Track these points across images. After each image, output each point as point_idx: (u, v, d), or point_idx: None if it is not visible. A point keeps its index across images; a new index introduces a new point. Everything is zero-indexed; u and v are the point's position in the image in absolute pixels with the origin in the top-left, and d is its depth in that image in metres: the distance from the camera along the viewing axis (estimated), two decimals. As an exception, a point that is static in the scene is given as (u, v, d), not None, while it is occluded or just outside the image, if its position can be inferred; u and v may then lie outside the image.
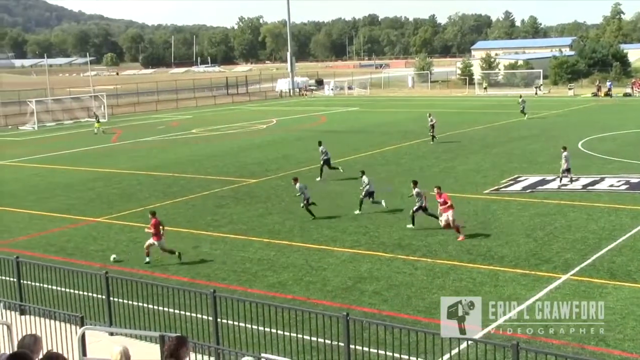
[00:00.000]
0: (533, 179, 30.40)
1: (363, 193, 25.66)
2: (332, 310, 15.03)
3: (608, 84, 79.68)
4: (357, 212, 25.62)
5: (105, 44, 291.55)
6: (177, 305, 14.77)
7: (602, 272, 18.12)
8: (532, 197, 27.02)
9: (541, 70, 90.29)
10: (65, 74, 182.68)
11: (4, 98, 75.04)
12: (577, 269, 18.38)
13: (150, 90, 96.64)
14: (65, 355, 7.54)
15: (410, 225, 23.14)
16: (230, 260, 20.46)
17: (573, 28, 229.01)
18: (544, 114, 59.71)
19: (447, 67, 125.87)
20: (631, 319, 15.03)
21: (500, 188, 29.04)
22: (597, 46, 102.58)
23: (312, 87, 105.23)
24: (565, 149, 29.21)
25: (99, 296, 15.65)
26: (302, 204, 25.09)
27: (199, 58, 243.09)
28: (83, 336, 12.05)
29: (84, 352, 11.87)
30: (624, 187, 28.44)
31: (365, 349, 12.50)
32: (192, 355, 10.94)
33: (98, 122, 57.83)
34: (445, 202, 21.90)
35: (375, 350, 12.69)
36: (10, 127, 65.41)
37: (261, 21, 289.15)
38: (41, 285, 17.10)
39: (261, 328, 13.62)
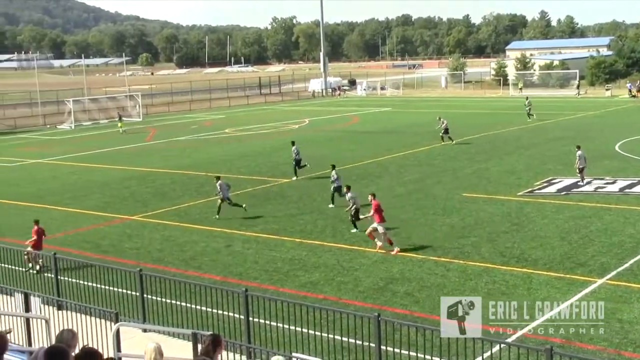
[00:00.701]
0: (568, 181, 30.04)
1: (333, 187, 26.91)
2: (363, 310, 15.03)
3: (638, 84, 78.46)
4: (330, 205, 26.82)
5: (141, 44, 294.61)
6: (210, 304, 14.89)
7: (640, 276, 17.85)
8: (567, 200, 26.72)
9: (577, 71, 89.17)
10: (101, 74, 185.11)
11: (43, 98, 76.15)
12: (613, 273, 18.12)
13: (184, 90, 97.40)
14: (100, 351, 7.65)
15: (354, 230, 23.10)
16: (262, 260, 20.56)
17: (611, 27, 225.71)
18: (580, 115, 58.99)
19: (480, 67, 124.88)
20: (668, 324, 14.79)
21: (535, 190, 28.76)
22: (636, 45, 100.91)
23: (345, 87, 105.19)
24: (579, 148, 29.61)
25: (133, 293, 15.85)
26: (226, 202, 25.84)
27: (232, 58, 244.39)
28: (117, 332, 12.23)
29: (118, 347, 12.04)
30: (661, 190, 27.99)
31: (397, 350, 12.49)
32: (224, 353, 11.03)
33: (121, 121, 59.03)
34: (376, 211, 21.18)
35: (407, 352, 12.67)
36: (48, 126, 66.41)
37: (294, 21, 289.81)
38: (77, 281, 17.41)
39: (292, 327, 13.67)
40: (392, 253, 20.52)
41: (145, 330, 14.96)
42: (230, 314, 14.42)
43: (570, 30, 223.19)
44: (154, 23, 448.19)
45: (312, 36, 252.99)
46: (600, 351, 13.63)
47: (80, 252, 21.71)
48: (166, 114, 76.95)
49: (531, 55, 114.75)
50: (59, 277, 17.23)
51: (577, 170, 29.29)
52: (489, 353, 12.87)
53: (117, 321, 12.98)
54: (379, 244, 20.95)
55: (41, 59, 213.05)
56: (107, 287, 16.55)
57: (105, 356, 7.73)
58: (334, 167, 28.18)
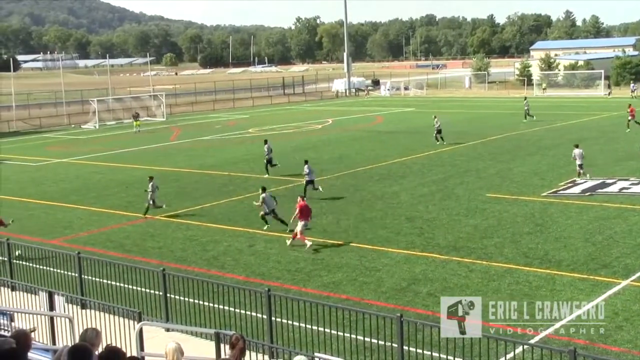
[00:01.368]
0: (592, 182, 29.76)
1: (306, 180, 28.84)
2: (385, 311, 14.99)
3: None
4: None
5: (165, 44, 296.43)
6: (232, 303, 14.96)
7: (665, 278, 17.64)
8: (591, 200, 26.46)
9: (602, 71, 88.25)
10: (126, 73, 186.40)
11: (67, 98, 76.95)
12: (638, 274, 17.91)
13: (208, 90, 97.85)
14: (123, 350, 7.70)
15: (265, 227, 23.86)
16: (284, 260, 20.59)
17: (637, 27, 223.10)
18: (605, 115, 58.43)
19: (505, 67, 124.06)
20: (694, 327, 14.59)
21: (559, 191, 28.53)
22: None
23: (369, 88, 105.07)
24: (577, 146, 30.79)
25: (156, 292, 15.94)
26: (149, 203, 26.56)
27: (256, 58, 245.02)
28: (140, 331, 12.30)
29: (141, 346, 12.11)
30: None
31: (419, 350, 12.45)
32: (247, 353, 11.05)
33: (137, 120, 59.86)
34: (300, 211, 21.86)
35: (429, 353, 12.62)
36: (73, 125, 67.04)
37: (318, 21, 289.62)
38: (101, 280, 17.53)
39: (315, 327, 13.67)
40: (306, 247, 21.25)
41: (168, 330, 15.03)
42: (253, 313, 14.46)
43: (596, 30, 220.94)
44: (178, 23, 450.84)
45: (336, 36, 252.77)
46: (625, 353, 13.49)
47: (104, 251, 21.89)
48: (190, 113, 77.36)
49: (556, 55, 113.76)
50: (82, 276, 17.38)
51: (578, 167, 30.42)
52: (512, 354, 12.76)
53: (140, 320, 13.06)
54: (309, 243, 21.43)
55: (66, 59, 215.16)
56: (130, 287, 16.65)
57: (128, 355, 7.78)
58: (306, 162, 29.52)
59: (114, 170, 38.49)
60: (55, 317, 13.70)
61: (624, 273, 18.04)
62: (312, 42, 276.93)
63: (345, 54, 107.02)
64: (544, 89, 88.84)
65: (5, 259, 19.00)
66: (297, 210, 21.98)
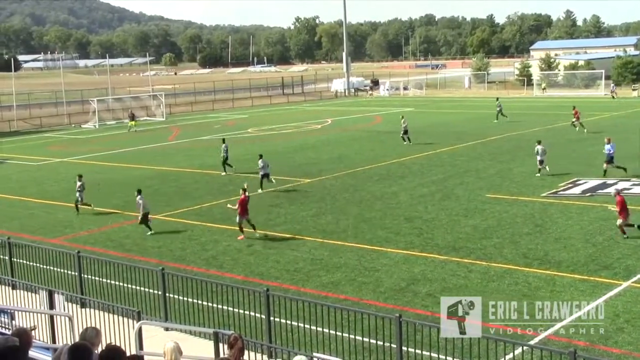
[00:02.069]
0: (593, 183, 29.77)
1: (261, 173, 30.29)
2: (384, 311, 15.00)
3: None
4: (260, 190, 29.98)
5: (165, 44, 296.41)
6: (231, 303, 14.96)
7: (666, 279, 17.64)
8: (591, 201, 26.47)
9: (603, 71, 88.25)
10: (125, 73, 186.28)
11: (68, 97, 76.96)
12: (639, 275, 17.90)
13: (207, 89, 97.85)
14: (122, 349, 7.70)
15: (149, 233, 24.23)
16: (283, 259, 20.59)
17: (639, 27, 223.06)
18: (605, 115, 58.44)
19: (504, 67, 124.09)
20: (693, 328, 14.59)
21: (559, 191, 28.53)
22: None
23: (372, 87, 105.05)
24: (539, 142, 32.23)
25: (156, 292, 15.95)
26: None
27: (255, 58, 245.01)
28: (140, 330, 12.31)
29: (140, 345, 12.12)
30: (687, 191, 27.62)
31: (418, 351, 12.46)
32: (245, 352, 11.06)
33: (133, 120, 60.38)
34: (240, 204, 22.93)
35: (428, 353, 12.62)
36: (73, 125, 67.06)
37: (317, 21, 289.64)
38: (100, 279, 17.54)
39: (313, 327, 13.67)
40: (239, 238, 22.59)
41: (167, 329, 15.03)
42: (252, 313, 14.47)
43: (597, 29, 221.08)
44: (177, 23, 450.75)
45: (335, 36, 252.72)
46: (626, 355, 13.49)
47: (104, 251, 21.91)
48: (189, 113, 77.39)
49: (556, 55, 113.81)
50: (82, 275, 17.39)
51: (538, 163, 31.87)
52: (511, 355, 12.76)
53: (139, 319, 13.07)
54: (241, 237, 22.63)
55: (66, 59, 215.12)
56: (129, 286, 16.66)
57: (127, 354, 7.78)
58: (261, 156, 30.88)
59: (114, 170, 38.49)
60: (55, 316, 13.70)
61: (625, 274, 18.03)
62: (311, 42, 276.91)
63: (344, 54, 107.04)
64: (543, 88, 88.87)
65: (6, 257, 19.02)
66: (237, 204, 22.86)
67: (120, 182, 34.42)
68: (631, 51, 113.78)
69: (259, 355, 12.83)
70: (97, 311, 14.32)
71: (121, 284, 16.84)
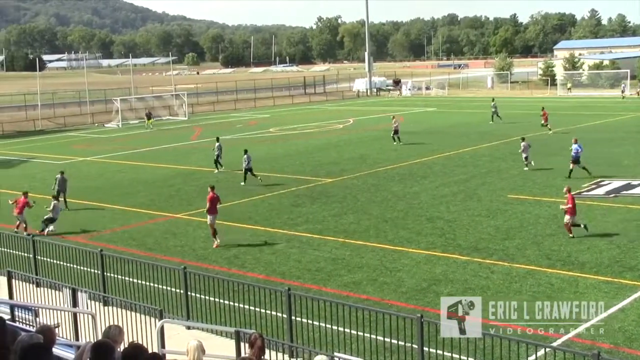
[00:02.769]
0: (617, 183, 29.47)
1: (245, 167, 31.95)
2: (406, 311, 14.95)
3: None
4: (242, 183, 32.00)
5: (187, 44, 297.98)
6: (253, 302, 15.00)
7: (691, 281, 17.41)
8: (616, 202, 26.21)
9: (628, 71, 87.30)
10: (148, 73, 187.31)
11: (91, 97, 77.57)
12: (663, 277, 17.72)
13: (229, 89, 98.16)
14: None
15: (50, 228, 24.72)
16: (305, 259, 20.60)
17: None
18: (631, 115, 57.81)
19: (527, 67, 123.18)
20: None
21: (582, 192, 28.25)
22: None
23: (389, 87, 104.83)
24: (523, 139, 34.10)
25: (178, 290, 16.02)
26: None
27: (277, 58, 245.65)
28: (162, 329, 12.37)
29: (162, 344, 12.18)
30: None
31: (439, 351, 12.40)
32: (266, 351, 11.08)
33: (149, 119, 61.76)
34: (210, 201, 22.77)
35: (450, 354, 12.56)
36: (96, 124, 67.56)
37: (339, 21, 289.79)
38: (123, 277, 17.66)
39: (334, 327, 13.67)
40: (213, 246, 21.92)
41: (189, 328, 15.11)
42: (273, 312, 14.49)
43: (622, 29, 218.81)
44: (200, 23, 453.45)
45: (357, 36, 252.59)
46: (650, 357, 13.34)
47: (126, 249, 22.06)
48: (211, 113, 77.68)
49: (580, 54, 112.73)
50: (105, 273, 17.53)
51: (524, 159, 33.39)
52: (533, 357, 12.67)
53: (161, 318, 13.14)
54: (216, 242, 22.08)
55: (90, 59, 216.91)
56: (152, 284, 16.76)
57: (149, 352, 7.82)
58: (245, 151, 32.53)
59: (137, 169, 38.75)
60: (78, 314, 13.82)
61: (649, 276, 17.83)
62: (334, 42, 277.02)
63: (366, 54, 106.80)
64: (569, 88, 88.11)
65: (30, 255, 19.21)
66: (208, 203, 22.71)
67: (142, 181, 34.64)
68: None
69: (280, 355, 12.86)
70: (119, 309, 14.42)
71: (143, 282, 16.94)
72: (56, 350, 8.02)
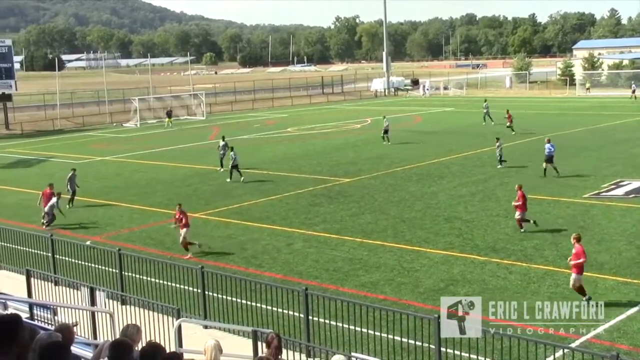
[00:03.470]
0: (637, 184, 29.22)
1: (231, 164, 32.86)
2: (423, 311, 14.90)
3: None
4: (228, 180, 32.86)
5: (205, 43, 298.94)
6: (270, 302, 15.01)
7: None
8: (635, 203, 25.98)
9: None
10: (166, 72, 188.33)
11: (110, 96, 78.00)
12: (683, 278, 17.55)
13: (247, 89, 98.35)
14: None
15: None
16: (322, 259, 20.60)
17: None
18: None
19: (546, 67, 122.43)
20: None
21: (601, 192, 28.06)
22: None
23: (407, 87, 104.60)
24: (498, 139, 34.54)
25: (195, 290, 16.08)
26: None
27: (295, 57, 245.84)
28: (179, 328, 12.42)
29: (179, 343, 12.22)
30: None
31: (457, 352, 12.36)
32: (283, 351, 11.09)
33: (169, 117, 63.32)
34: (180, 219, 21.69)
35: (467, 354, 12.52)
36: (115, 124, 67.95)
37: (357, 21, 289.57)
38: (141, 276, 17.74)
39: (352, 327, 13.65)
40: (185, 257, 20.72)
41: (206, 327, 15.15)
42: (290, 312, 14.50)
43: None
44: (218, 23, 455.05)
45: (375, 35, 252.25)
46: (670, 360, 13.21)
47: (144, 249, 22.16)
48: (229, 112, 77.89)
49: (599, 54, 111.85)
50: (123, 272, 17.62)
51: (498, 157, 34.08)
52: (552, 358, 12.59)
53: (179, 317, 13.19)
54: (189, 255, 21.21)
55: (109, 59, 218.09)
56: (169, 284, 16.83)
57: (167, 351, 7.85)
58: (232, 148, 34.04)
59: (155, 168, 38.93)
60: (96, 312, 13.90)
61: (668, 277, 17.66)
62: (352, 42, 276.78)
63: (384, 54, 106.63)
64: (587, 88, 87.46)
65: (49, 254, 19.36)
66: (179, 217, 21.75)
67: (160, 181, 34.79)
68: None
69: (297, 354, 12.87)
70: (137, 308, 14.48)
71: (161, 281, 17.02)
72: (74, 349, 8.07)
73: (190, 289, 16.26)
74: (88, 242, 20.34)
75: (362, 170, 35.26)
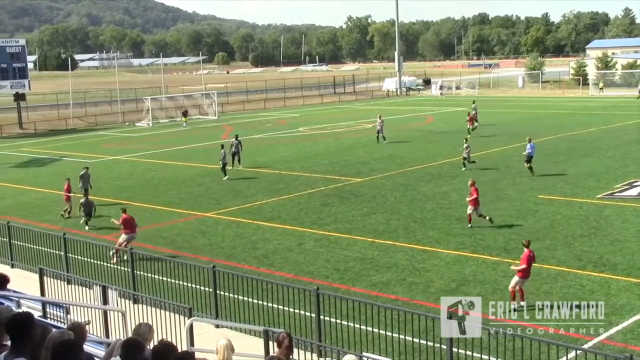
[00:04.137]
0: (650, 184, 29.04)
1: (221, 162, 33.99)
2: (434, 312, 14.85)
3: None
4: (225, 178, 33.64)
5: (217, 43, 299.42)
6: (281, 301, 15.03)
7: None
8: (648, 203, 25.82)
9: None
10: (178, 72, 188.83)
11: (122, 96, 78.30)
12: (697, 280, 17.42)
13: (259, 88, 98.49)
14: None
15: None
16: (333, 259, 20.59)
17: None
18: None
19: (559, 67, 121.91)
20: None
21: (615, 193, 27.91)
22: None
23: (419, 87, 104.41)
24: (466, 140, 34.70)
25: (207, 289, 16.11)
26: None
27: (307, 57, 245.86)
28: (191, 327, 12.45)
29: (191, 342, 12.26)
30: None
31: (468, 352, 12.33)
32: (295, 350, 11.10)
33: (185, 117, 64.08)
34: (123, 223, 21.09)
35: (479, 355, 12.48)
36: (127, 123, 68.18)
37: (369, 20, 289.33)
38: (153, 275, 17.81)
39: (363, 327, 13.65)
40: (112, 261, 20.01)
41: (217, 326, 15.19)
42: (302, 312, 14.51)
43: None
44: (230, 22, 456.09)
45: (387, 35, 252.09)
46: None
47: (156, 248, 22.22)
48: (241, 112, 78.01)
49: (613, 54, 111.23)
50: (135, 271, 17.69)
51: (463, 158, 34.07)
52: (564, 358, 12.53)
53: (190, 316, 13.23)
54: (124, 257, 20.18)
55: (121, 58, 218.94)
56: (181, 283, 16.88)
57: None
58: (222, 146, 35.12)
59: (167, 168, 39.03)
60: (108, 311, 13.95)
61: (682, 278, 17.54)
62: (363, 41, 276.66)
63: (396, 53, 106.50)
64: (601, 88, 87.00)
65: (62, 252, 19.46)
66: (121, 223, 21.16)
67: (172, 180, 34.88)
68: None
69: (308, 354, 12.87)
70: (149, 307, 14.54)
71: (173, 280, 17.08)
72: (86, 347, 8.10)
73: (202, 288, 16.30)
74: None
75: (373, 170, 35.22)
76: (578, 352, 11.70)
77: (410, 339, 13.19)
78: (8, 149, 51.47)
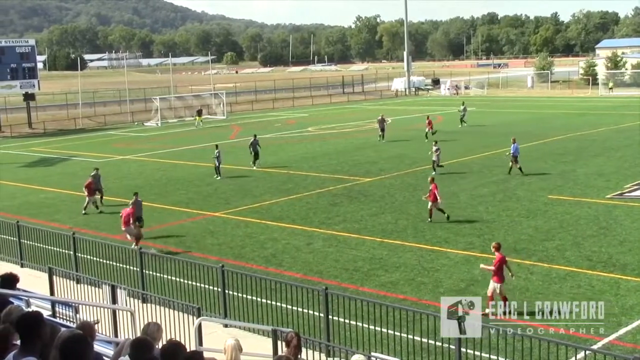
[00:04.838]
0: (660, 184, 28.91)
1: (216, 162, 34.61)
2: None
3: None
4: (218, 178, 34.19)
5: (226, 43, 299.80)
6: (290, 301, 15.03)
7: None
8: (658, 203, 25.70)
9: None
10: (187, 72, 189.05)
11: (131, 96, 78.50)
12: None
13: (268, 88, 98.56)
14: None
15: None
16: (342, 258, 20.58)
17: None
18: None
19: (568, 66, 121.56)
20: None
21: (624, 193, 27.80)
22: None
23: (428, 87, 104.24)
24: (435, 143, 34.07)
25: (215, 288, 16.13)
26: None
27: (316, 57, 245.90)
28: (199, 326, 12.47)
29: (199, 341, 12.27)
30: None
31: (477, 352, 12.30)
32: (303, 350, 11.10)
33: (199, 116, 64.13)
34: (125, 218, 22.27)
35: (487, 355, 12.46)
36: (136, 123, 68.34)
37: (378, 20, 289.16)
38: (161, 275, 17.84)
39: (372, 327, 13.64)
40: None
41: (226, 326, 15.20)
42: (310, 311, 14.51)
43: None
44: (239, 22, 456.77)
45: (396, 35, 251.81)
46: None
47: (165, 247, 22.28)
48: (250, 112, 78.08)
49: (623, 53, 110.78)
50: (144, 270, 17.73)
51: (433, 162, 33.43)
52: (573, 359, 12.49)
53: (199, 316, 13.25)
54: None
55: (130, 58, 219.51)
56: (190, 282, 16.91)
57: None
58: (217, 146, 35.94)
59: (175, 167, 39.11)
60: (117, 310, 13.99)
61: (692, 279, 17.45)
62: (372, 41, 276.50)
63: (405, 53, 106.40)
64: (610, 88, 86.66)
65: (71, 252, 19.52)
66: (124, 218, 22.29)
67: (181, 180, 34.94)
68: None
69: (317, 354, 12.86)
70: (158, 307, 14.57)
71: (181, 280, 17.11)
72: (96, 346, 8.12)
73: (211, 287, 16.32)
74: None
75: (382, 169, 35.19)
76: (587, 352, 11.65)
77: (418, 338, 13.17)
78: (18, 149, 51.69)
